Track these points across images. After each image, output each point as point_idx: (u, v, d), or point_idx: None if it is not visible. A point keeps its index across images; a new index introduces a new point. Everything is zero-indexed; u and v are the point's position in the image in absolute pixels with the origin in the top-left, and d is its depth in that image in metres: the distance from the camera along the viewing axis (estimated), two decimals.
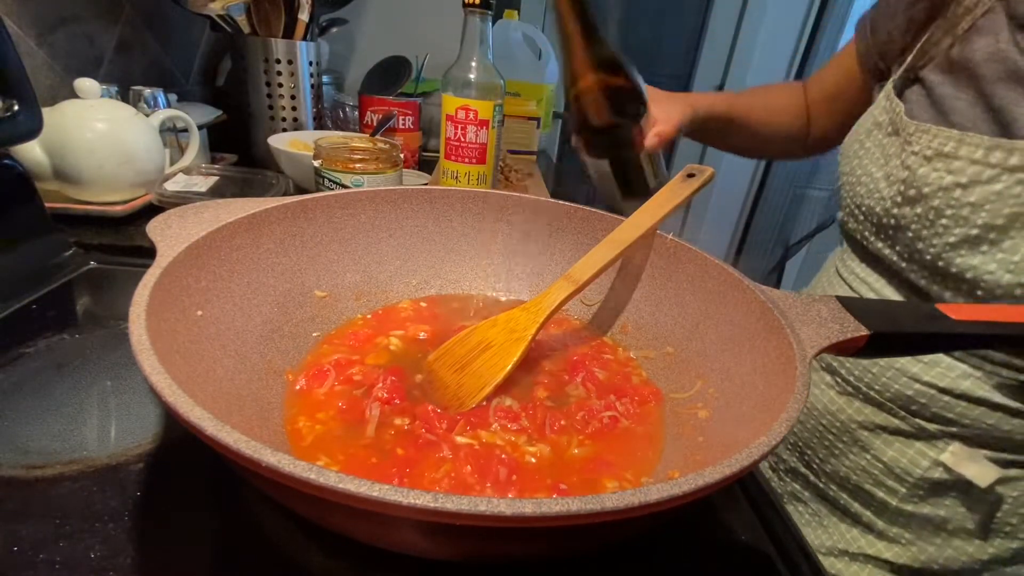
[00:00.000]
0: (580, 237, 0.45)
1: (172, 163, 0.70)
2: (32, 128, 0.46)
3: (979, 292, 0.37)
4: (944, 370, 0.41)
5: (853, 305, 0.32)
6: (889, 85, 0.44)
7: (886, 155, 0.41)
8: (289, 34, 0.82)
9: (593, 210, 0.45)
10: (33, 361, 0.37)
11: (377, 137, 0.74)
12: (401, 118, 0.91)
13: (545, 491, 0.28)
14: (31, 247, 0.47)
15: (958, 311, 0.31)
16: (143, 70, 0.86)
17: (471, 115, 0.59)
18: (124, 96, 0.70)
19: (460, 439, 0.31)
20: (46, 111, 0.48)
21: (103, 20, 0.76)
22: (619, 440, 0.33)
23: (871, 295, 0.47)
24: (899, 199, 0.39)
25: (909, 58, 0.42)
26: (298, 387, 0.33)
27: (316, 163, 0.56)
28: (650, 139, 0.48)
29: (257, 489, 0.27)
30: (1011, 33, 0.34)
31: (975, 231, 0.35)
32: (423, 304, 0.45)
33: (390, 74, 1.08)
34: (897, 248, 0.41)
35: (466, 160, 0.61)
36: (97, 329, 0.41)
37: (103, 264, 0.50)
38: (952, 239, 0.37)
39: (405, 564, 0.25)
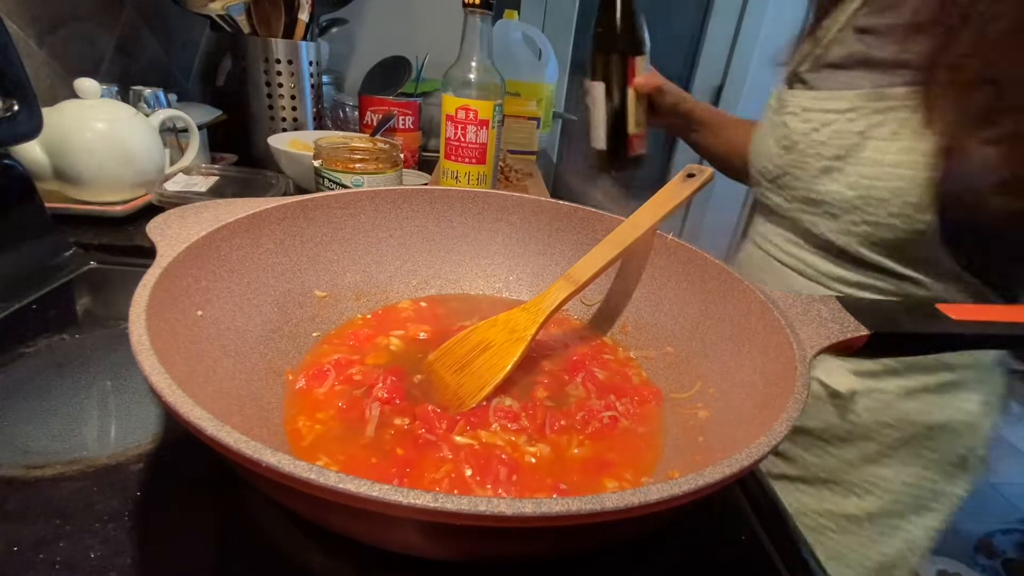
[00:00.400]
0: (580, 237, 0.45)
1: (172, 163, 0.70)
2: (32, 128, 0.46)
3: (835, 210, 0.48)
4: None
5: (853, 305, 0.32)
6: (780, 80, 0.57)
7: (774, 124, 0.55)
8: (289, 34, 0.82)
9: (593, 210, 0.45)
10: (33, 361, 0.37)
11: (377, 137, 0.74)
12: (401, 118, 0.91)
13: (545, 491, 0.28)
14: (31, 247, 0.47)
15: (958, 311, 0.31)
16: (143, 70, 0.86)
17: (471, 115, 0.59)
18: (124, 96, 0.70)
19: (460, 439, 0.31)
20: (46, 111, 0.48)
21: (103, 20, 0.76)
22: (619, 440, 0.33)
23: (774, 250, 0.57)
24: (781, 151, 0.53)
25: (793, 63, 0.55)
26: (298, 387, 0.33)
27: (316, 163, 0.56)
28: (639, 78, 0.59)
29: (257, 489, 0.27)
30: (855, 37, 0.48)
31: (826, 163, 0.48)
32: (423, 304, 0.45)
33: (390, 74, 1.08)
34: (783, 193, 0.54)
35: (466, 160, 0.61)
36: (97, 329, 0.42)
37: (103, 264, 0.50)
38: (814, 172, 0.49)
39: (405, 564, 0.25)
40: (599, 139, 0.66)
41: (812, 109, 0.50)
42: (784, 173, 0.53)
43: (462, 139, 0.60)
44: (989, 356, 0.51)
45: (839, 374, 0.51)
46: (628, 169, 0.68)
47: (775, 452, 0.54)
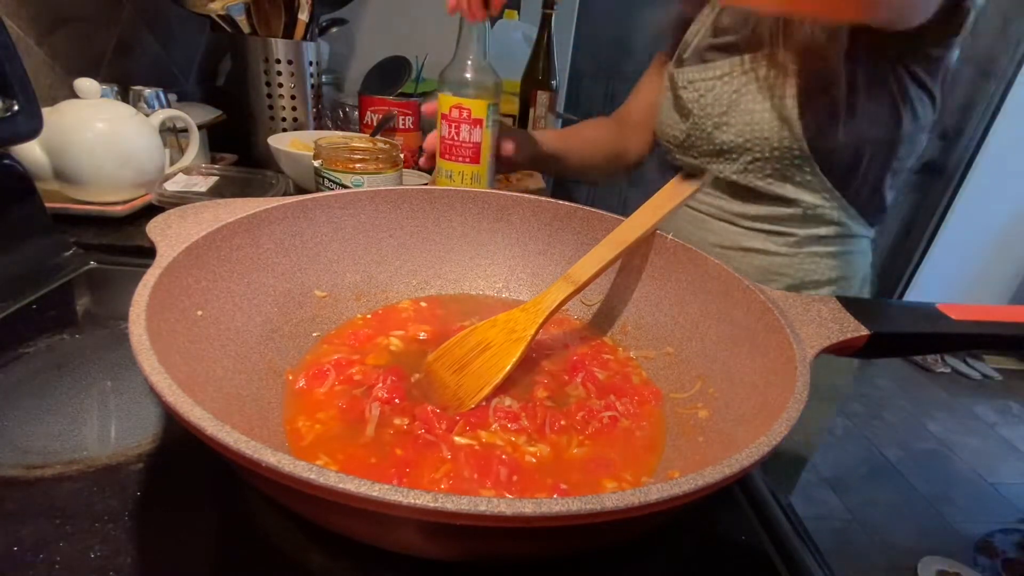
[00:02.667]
0: (580, 237, 0.45)
1: (172, 163, 0.70)
2: (32, 128, 0.46)
3: (733, 155, 0.60)
4: (728, 235, 0.65)
5: (853, 305, 0.32)
6: (670, 65, 0.69)
7: (670, 102, 0.68)
8: (289, 34, 0.82)
9: (593, 210, 0.45)
10: (33, 361, 0.37)
11: (377, 137, 0.74)
12: (401, 118, 0.91)
13: (545, 491, 0.28)
14: (31, 247, 0.47)
15: (958, 311, 0.31)
16: (143, 70, 0.86)
17: (464, 114, 0.58)
18: (124, 96, 0.70)
19: (460, 439, 0.31)
20: (46, 111, 0.48)
21: (103, 20, 0.76)
22: (619, 440, 0.33)
23: (694, 202, 0.67)
24: (681, 119, 0.65)
25: (676, 54, 0.68)
26: (298, 387, 0.33)
27: (316, 163, 0.56)
28: (500, 151, 0.66)
29: (257, 489, 0.27)
30: (713, 32, 0.63)
31: (716, 119, 0.60)
32: (423, 304, 0.45)
33: (390, 74, 1.08)
34: (690, 152, 0.66)
35: (460, 159, 0.61)
36: (97, 329, 0.41)
37: (103, 264, 0.50)
38: (709, 129, 0.61)
39: (405, 564, 0.25)
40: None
41: (696, 80, 0.62)
42: (687, 136, 0.65)
43: (455, 138, 0.60)
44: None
45: (725, 231, 0.65)
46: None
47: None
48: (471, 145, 0.60)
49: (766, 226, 0.62)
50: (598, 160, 0.80)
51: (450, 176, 0.62)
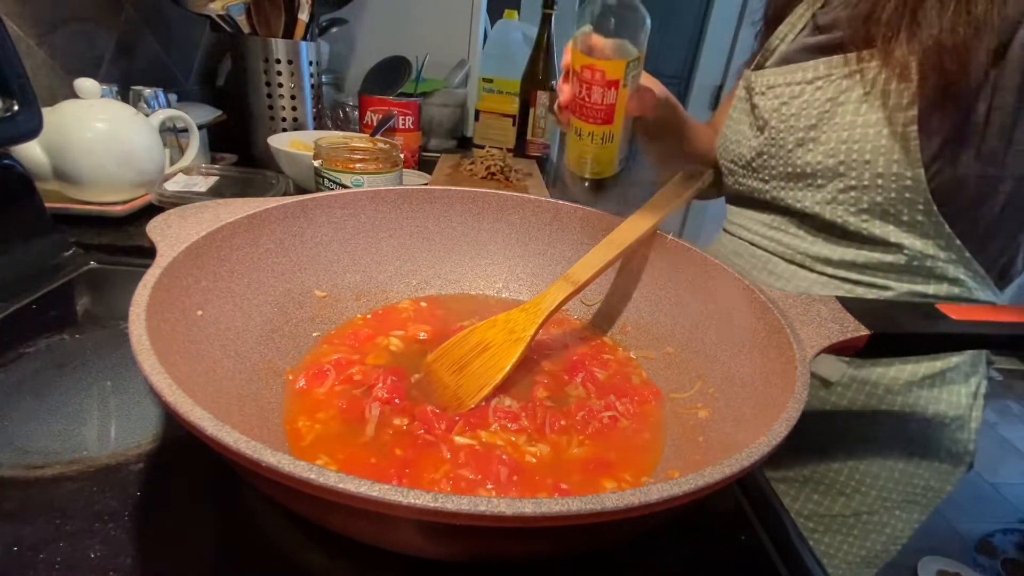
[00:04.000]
0: (580, 237, 0.45)
1: (172, 163, 0.70)
2: (32, 128, 0.46)
3: (819, 181, 0.47)
4: (799, 282, 0.51)
5: (853, 305, 0.32)
6: (746, 70, 0.57)
7: (746, 112, 0.55)
8: (289, 34, 0.82)
9: (593, 210, 0.45)
10: (33, 361, 0.37)
11: (377, 137, 0.74)
12: (401, 118, 0.91)
13: (546, 491, 0.28)
14: (31, 247, 0.47)
15: (958, 311, 0.31)
16: (143, 70, 0.86)
17: (597, 76, 0.44)
18: (124, 96, 0.70)
19: (460, 439, 0.31)
20: (46, 111, 0.48)
21: (103, 20, 0.76)
22: (619, 440, 0.33)
23: (749, 235, 0.56)
24: (756, 132, 0.52)
25: (758, 56, 0.55)
26: (298, 387, 0.33)
27: (316, 163, 0.56)
28: (632, 103, 0.46)
29: (257, 489, 0.27)
30: (810, 31, 0.50)
31: (801, 134, 0.47)
32: (423, 304, 0.45)
33: (390, 74, 1.08)
34: (760, 175, 0.53)
35: (590, 120, 0.47)
36: (97, 329, 0.41)
37: (103, 264, 0.50)
38: (790, 146, 0.48)
39: (405, 564, 0.25)
40: (578, 163, 0.52)
41: (778, 84, 0.49)
42: (759, 154, 0.52)
43: (587, 99, 0.46)
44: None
45: (827, 362, 0.50)
46: (607, 187, 0.58)
47: None
48: (603, 108, 0.47)
49: (852, 275, 0.48)
50: (702, 157, 0.66)
51: (579, 134, 0.51)
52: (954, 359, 0.49)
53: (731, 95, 0.65)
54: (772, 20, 0.56)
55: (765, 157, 0.51)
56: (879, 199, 0.44)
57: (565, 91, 0.46)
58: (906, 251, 0.45)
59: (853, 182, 0.45)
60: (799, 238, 0.51)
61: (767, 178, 0.52)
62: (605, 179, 0.52)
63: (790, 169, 0.49)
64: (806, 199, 0.49)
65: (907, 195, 0.43)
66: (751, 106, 0.53)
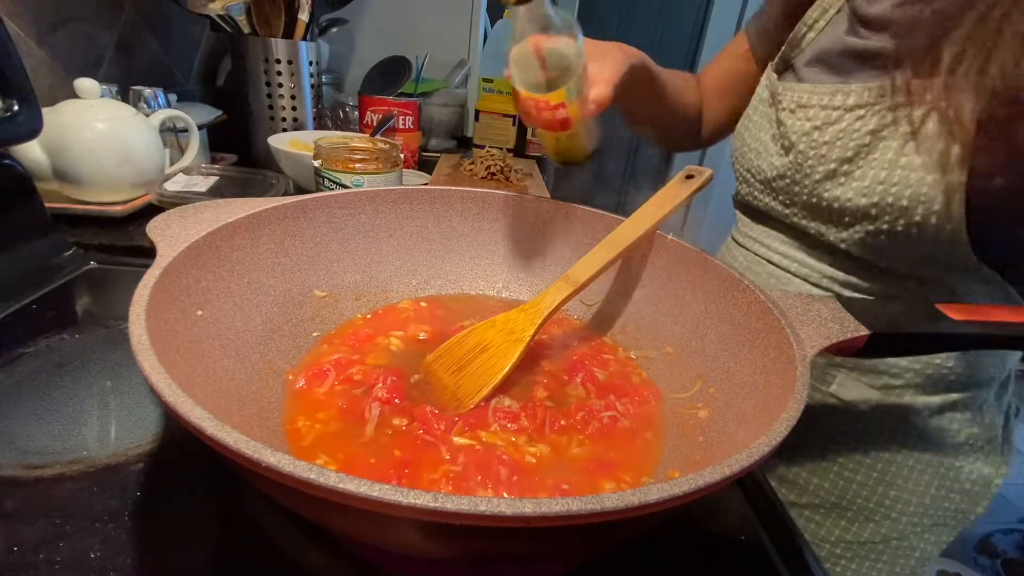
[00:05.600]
0: (580, 237, 0.45)
1: (172, 163, 0.70)
2: (32, 128, 0.46)
3: (846, 219, 0.42)
4: None
5: (853, 305, 0.32)
6: (769, 68, 0.51)
7: (769, 121, 0.49)
8: (289, 34, 0.82)
9: (593, 210, 0.45)
10: (33, 361, 0.37)
11: (377, 137, 0.74)
12: (401, 118, 0.91)
13: (546, 491, 0.28)
14: (31, 247, 0.47)
15: (958, 311, 0.31)
16: (143, 70, 0.86)
17: (542, 104, 0.43)
18: (124, 96, 0.70)
19: (459, 440, 0.31)
20: (46, 111, 0.48)
21: (103, 20, 0.76)
22: (619, 440, 0.33)
23: (764, 251, 0.52)
24: (779, 151, 0.47)
25: (784, 48, 0.49)
26: (298, 387, 0.33)
27: (316, 163, 0.56)
28: (588, 107, 0.42)
29: (257, 489, 0.27)
30: (850, 24, 0.44)
31: (833, 165, 0.42)
32: (423, 304, 0.45)
33: (390, 74, 1.08)
34: (780, 197, 0.48)
35: (550, 129, 0.47)
36: (97, 329, 0.41)
37: (103, 264, 0.50)
38: (818, 176, 0.43)
39: (405, 564, 0.25)
40: (552, 153, 0.51)
41: (811, 105, 0.43)
42: (781, 176, 0.47)
43: (539, 118, 0.42)
44: (1009, 366, 0.49)
45: (856, 388, 0.47)
46: (580, 166, 0.55)
47: (781, 479, 0.52)
48: (557, 121, 0.46)
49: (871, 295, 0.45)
50: (682, 114, 0.61)
51: (542, 140, 0.51)
52: (988, 387, 0.48)
53: (728, 50, 0.61)
54: (796, 6, 0.48)
55: (788, 182, 0.46)
56: (915, 247, 0.40)
57: (519, 110, 0.43)
58: (945, 285, 0.43)
59: (885, 226, 0.40)
60: (819, 261, 0.47)
61: (788, 203, 0.47)
62: (580, 163, 0.50)
63: (815, 200, 0.44)
64: (831, 234, 0.44)
65: (946, 246, 0.39)
66: (776, 121, 0.47)
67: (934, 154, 0.36)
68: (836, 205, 0.42)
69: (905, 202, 0.38)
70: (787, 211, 0.48)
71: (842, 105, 0.41)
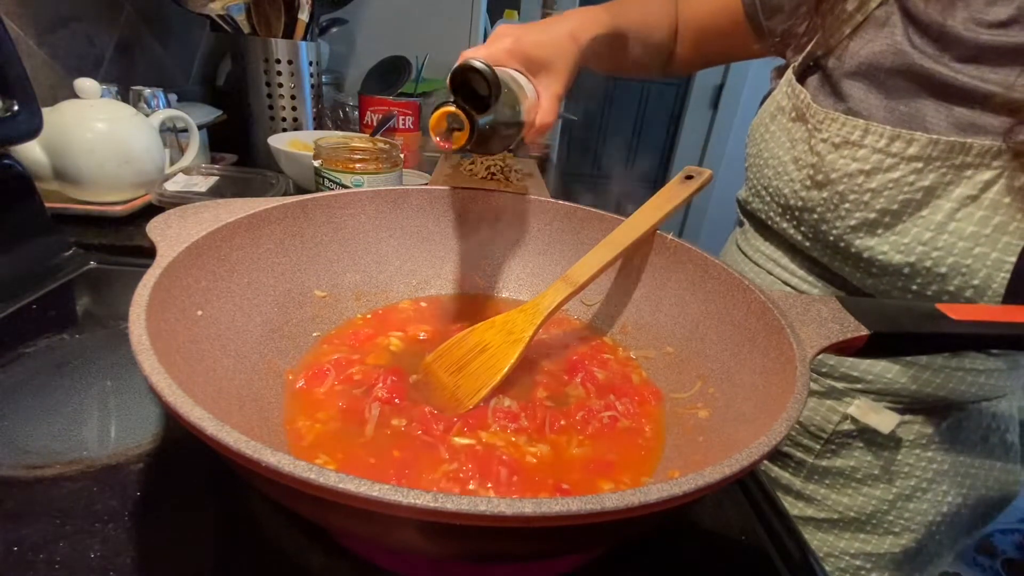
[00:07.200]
0: (580, 237, 0.45)
1: (172, 163, 0.70)
2: (32, 128, 0.46)
3: (874, 270, 0.39)
4: None
5: (853, 305, 0.32)
6: (790, 72, 0.46)
7: (792, 139, 0.44)
8: (289, 34, 0.82)
9: (593, 210, 0.45)
10: (33, 361, 0.37)
11: (377, 137, 0.74)
12: (401, 118, 0.91)
13: (546, 491, 0.28)
14: (31, 247, 0.47)
15: (958, 311, 0.31)
16: (143, 70, 0.86)
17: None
18: (124, 96, 0.70)
19: (459, 440, 0.31)
20: (46, 111, 0.48)
21: (103, 20, 0.76)
22: (619, 440, 0.33)
23: (777, 269, 0.50)
24: (808, 183, 0.42)
25: (809, 46, 0.43)
26: (298, 387, 0.33)
27: (316, 163, 0.56)
28: (531, 133, 0.39)
29: (257, 489, 0.27)
30: (904, 28, 0.37)
31: (873, 215, 0.38)
32: (423, 304, 0.45)
33: (390, 74, 1.08)
34: (802, 228, 0.44)
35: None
36: (97, 329, 0.41)
37: (103, 264, 0.50)
38: (853, 222, 0.39)
39: (405, 564, 0.25)
40: None
41: (859, 144, 0.37)
42: (808, 210, 0.42)
43: None
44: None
45: (880, 414, 0.45)
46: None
47: (799, 495, 0.51)
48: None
49: None
50: (647, 48, 0.55)
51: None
52: (1007, 398, 0.46)
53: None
54: None
55: (816, 218, 0.42)
56: (944, 299, 0.37)
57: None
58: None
59: (915, 287, 0.37)
60: (832, 287, 0.44)
61: (810, 236, 0.43)
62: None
63: (843, 244, 0.40)
64: (855, 278, 0.41)
65: (976, 302, 0.36)
66: (808, 146, 0.41)
67: (988, 226, 0.33)
68: (866, 255, 0.39)
69: (944, 269, 0.35)
70: (808, 244, 0.44)
71: (900, 153, 0.36)
